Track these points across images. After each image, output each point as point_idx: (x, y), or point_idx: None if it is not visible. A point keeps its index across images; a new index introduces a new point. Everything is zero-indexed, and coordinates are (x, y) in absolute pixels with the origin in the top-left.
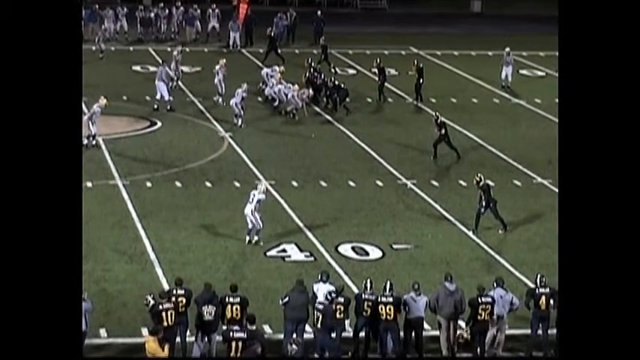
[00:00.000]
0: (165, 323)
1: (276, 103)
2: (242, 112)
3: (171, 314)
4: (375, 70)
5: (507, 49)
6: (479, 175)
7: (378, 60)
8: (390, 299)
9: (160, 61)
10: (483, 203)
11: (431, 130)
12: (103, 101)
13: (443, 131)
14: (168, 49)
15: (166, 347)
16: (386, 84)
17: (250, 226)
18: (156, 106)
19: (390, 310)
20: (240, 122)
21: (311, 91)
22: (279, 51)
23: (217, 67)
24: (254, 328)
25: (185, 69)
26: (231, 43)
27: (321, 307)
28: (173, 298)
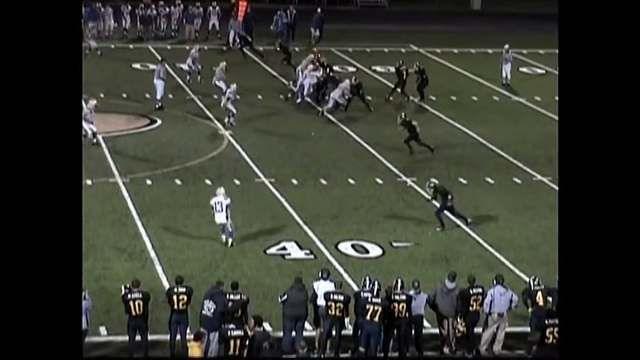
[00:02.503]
0: (133, 313)
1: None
2: (232, 112)
3: (139, 304)
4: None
5: (506, 46)
6: (432, 181)
7: (418, 63)
8: (403, 297)
9: (159, 59)
10: (439, 204)
11: (396, 128)
12: (92, 102)
13: (410, 129)
14: (169, 46)
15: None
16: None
17: (231, 229)
18: (158, 105)
19: (402, 308)
20: (230, 121)
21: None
22: (254, 47)
23: (217, 69)
24: (261, 329)
25: (185, 67)
26: (230, 41)
27: (378, 300)
28: (174, 297)
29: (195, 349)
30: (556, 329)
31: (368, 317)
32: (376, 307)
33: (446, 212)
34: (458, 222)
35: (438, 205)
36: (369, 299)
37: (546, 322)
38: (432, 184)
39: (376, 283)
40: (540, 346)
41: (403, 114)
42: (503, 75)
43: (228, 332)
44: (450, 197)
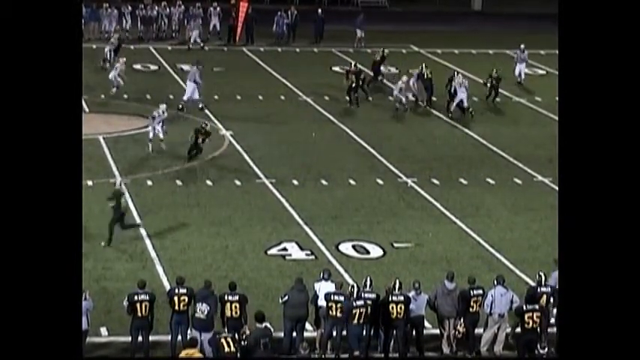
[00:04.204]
0: (138, 314)
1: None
2: (157, 134)
3: (145, 306)
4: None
5: (522, 46)
6: (117, 182)
7: (495, 71)
8: (401, 298)
9: (195, 61)
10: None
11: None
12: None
13: (202, 136)
14: (169, 47)
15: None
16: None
17: None
18: (180, 106)
19: (400, 308)
20: (150, 147)
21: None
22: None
23: (117, 64)
24: (263, 326)
25: (186, 67)
26: (191, 41)
27: (361, 302)
28: (175, 298)
29: (196, 355)
30: (535, 314)
31: (355, 321)
32: (361, 310)
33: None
34: (458, 220)
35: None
36: (353, 303)
37: (524, 307)
38: (116, 188)
39: (355, 285)
40: (522, 332)
41: (205, 123)
42: (517, 74)
43: (216, 336)
44: (120, 203)
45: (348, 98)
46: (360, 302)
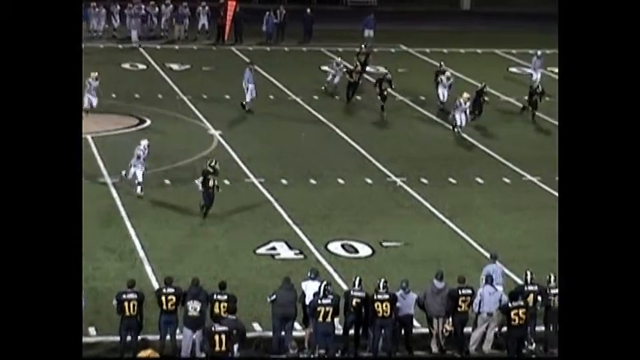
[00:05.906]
0: (127, 313)
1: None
2: (138, 177)
3: (133, 305)
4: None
5: (539, 52)
6: None
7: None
8: (386, 296)
9: (248, 62)
10: None
11: None
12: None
13: None
14: (158, 46)
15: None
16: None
17: None
18: (244, 105)
19: (386, 307)
20: (139, 189)
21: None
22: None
23: (90, 79)
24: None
25: (174, 67)
26: (132, 40)
27: (327, 300)
28: (163, 297)
29: (153, 354)
30: (521, 310)
31: (320, 319)
32: (327, 309)
33: None
34: (447, 220)
35: None
36: (319, 301)
37: (510, 304)
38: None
39: (324, 282)
40: (509, 329)
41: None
42: (538, 81)
43: (212, 328)
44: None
45: (347, 95)
46: (327, 301)
